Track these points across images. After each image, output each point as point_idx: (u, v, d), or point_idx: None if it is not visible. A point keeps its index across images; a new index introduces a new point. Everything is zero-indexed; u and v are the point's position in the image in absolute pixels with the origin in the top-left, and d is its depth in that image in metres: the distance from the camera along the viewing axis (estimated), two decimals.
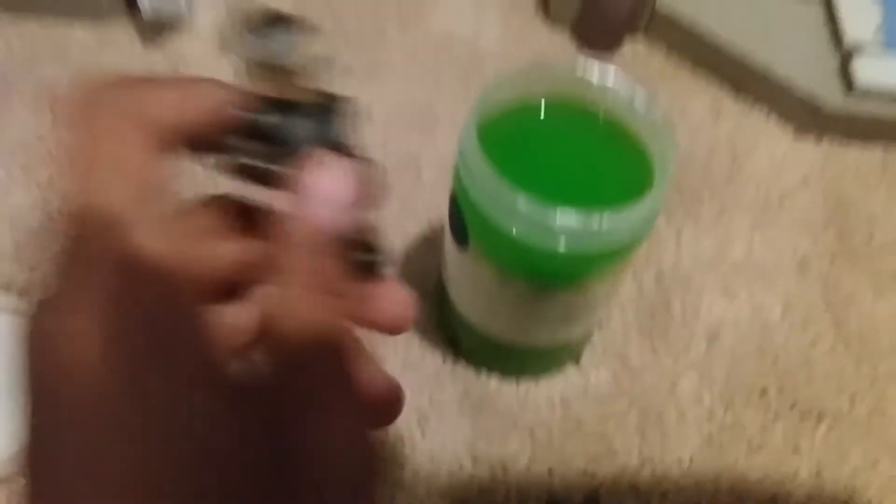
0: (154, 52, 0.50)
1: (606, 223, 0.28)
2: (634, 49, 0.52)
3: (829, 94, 0.47)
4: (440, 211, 0.43)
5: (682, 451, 0.37)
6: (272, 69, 0.19)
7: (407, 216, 0.43)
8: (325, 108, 0.20)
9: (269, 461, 0.15)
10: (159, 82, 0.18)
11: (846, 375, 0.40)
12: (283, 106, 0.19)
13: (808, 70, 0.48)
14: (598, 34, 0.51)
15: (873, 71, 0.48)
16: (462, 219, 0.32)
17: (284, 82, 0.19)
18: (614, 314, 0.41)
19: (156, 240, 0.16)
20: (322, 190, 0.18)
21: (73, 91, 0.17)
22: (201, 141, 0.19)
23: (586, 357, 0.40)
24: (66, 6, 0.49)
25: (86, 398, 0.14)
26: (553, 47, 0.52)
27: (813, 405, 0.39)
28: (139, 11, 0.47)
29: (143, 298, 0.16)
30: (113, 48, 0.50)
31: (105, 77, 0.18)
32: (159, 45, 0.50)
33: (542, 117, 0.34)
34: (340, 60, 0.49)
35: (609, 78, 0.32)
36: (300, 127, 0.19)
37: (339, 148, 0.20)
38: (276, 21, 0.19)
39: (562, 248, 0.29)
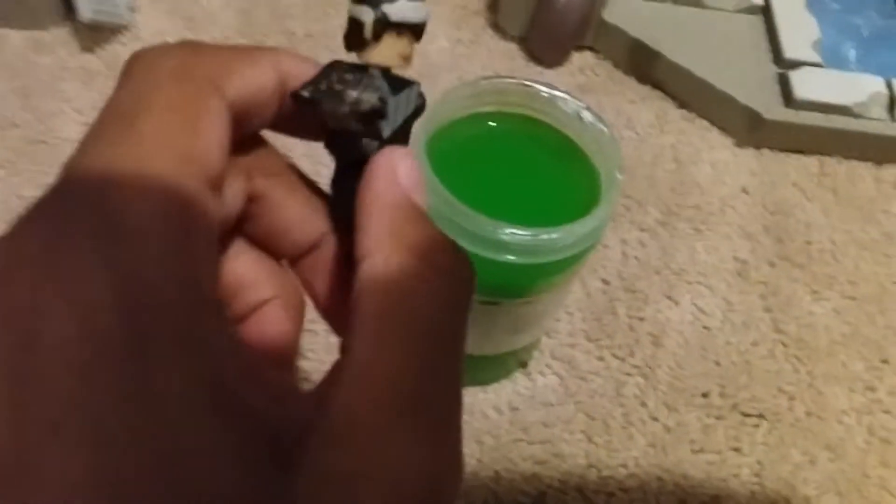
0: (92, 57, 0.49)
1: (555, 237, 0.29)
2: (582, 61, 0.53)
3: (769, 106, 0.49)
4: None
5: (627, 453, 0.38)
6: (399, 28, 0.17)
7: None
8: (408, 88, 0.18)
9: None
10: (225, 51, 0.16)
11: (785, 377, 0.41)
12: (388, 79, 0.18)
13: (748, 83, 0.50)
14: (546, 47, 0.52)
15: (811, 85, 0.49)
16: None
17: (401, 47, 0.18)
18: (562, 320, 0.42)
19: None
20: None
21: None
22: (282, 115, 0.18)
23: (534, 363, 0.40)
24: (1, 11, 0.48)
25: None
26: (502, 59, 0.53)
27: (753, 406, 0.39)
28: (77, 16, 0.46)
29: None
30: (49, 53, 0.49)
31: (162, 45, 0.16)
32: (98, 49, 0.49)
33: (490, 130, 0.34)
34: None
35: (557, 92, 0.33)
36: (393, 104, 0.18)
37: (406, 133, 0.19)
38: None
39: (510, 262, 0.29)
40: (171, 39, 0.50)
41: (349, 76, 0.17)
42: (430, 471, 0.14)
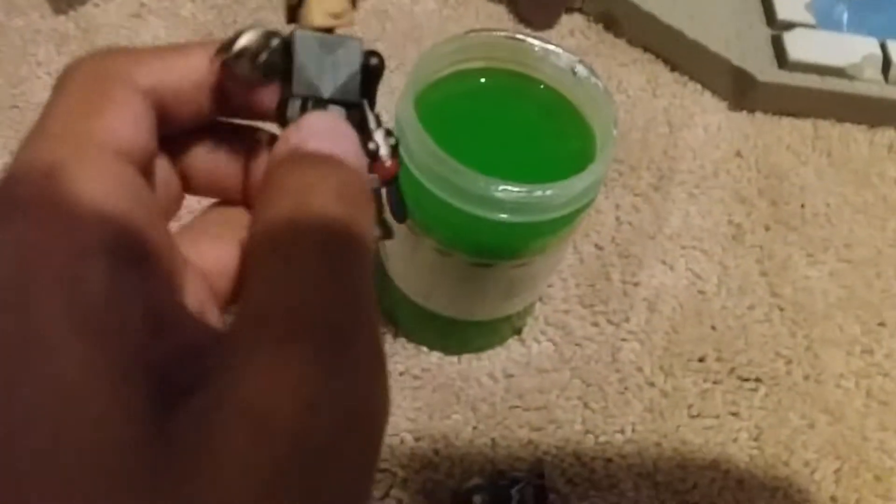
0: (65, 19, 0.47)
1: (548, 194, 0.28)
2: (572, 23, 0.52)
3: (762, 68, 0.48)
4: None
5: (624, 419, 0.37)
6: None
7: None
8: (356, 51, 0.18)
9: None
10: (148, 49, 0.17)
11: (782, 340, 0.40)
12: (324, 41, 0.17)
13: (741, 45, 0.49)
14: (535, 8, 0.51)
15: (804, 46, 0.48)
16: (399, 192, 0.31)
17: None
18: (556, 285, 0.41)
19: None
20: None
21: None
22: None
23: (528, 329, 0.39)
24: None
25: None
26: (491, 21, 0.51)
27: (751, 370, 0.39)
28: None
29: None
30: (20, 15, 0.47)
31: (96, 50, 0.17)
32: (71, 12, 0.47)
33: (480, 86, 0.33)
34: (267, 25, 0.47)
35: (550, 45, 0.31)
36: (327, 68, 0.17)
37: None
38: None
39: (503, 221, 0.28)
40: (146, 2, 0.48)
41: (273, 40, 0.17)
42: (321, 401, 0.13)
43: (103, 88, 0.16)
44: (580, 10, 0.52)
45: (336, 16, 0.17)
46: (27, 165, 0.14)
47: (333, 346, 0.13)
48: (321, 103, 0.17)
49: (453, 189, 0.28)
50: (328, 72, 0.17)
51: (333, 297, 0.14)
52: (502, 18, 0.51)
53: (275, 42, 0.17)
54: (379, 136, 0.18)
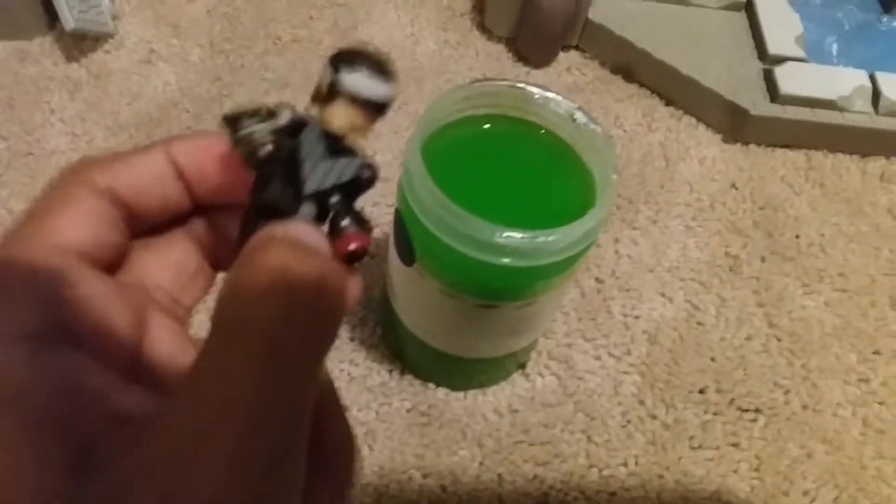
0: (77, 66, 0.48)
1: (551, 240, 0.29)
2: (569, 60, 0.53)
3: (755, 101, 0.49)
4: (381, 222, 0.43)
5: (627, 452, 0.38)
6: (353, 98, 0.17)
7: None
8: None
9: None
10: (113, 154, 0.19)
11: (780, 370, 0.41)
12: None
13: (733, 79, 0.50)
14: (533, 47, 0.52)
15: (795, 80, 0.50)
16: (408, 236, 0.32)
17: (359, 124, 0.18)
18: (558, 319, 0.42)
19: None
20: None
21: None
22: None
23: (532, 364, 0.40)
24: None
25: None
26: (490, 60, 0.53)
27: (750, 401, 0.40)
28: (62, 25, 0.46)
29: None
30: (34, 63, 0.48)
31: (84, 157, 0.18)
32: (83, 58, 0.49)
33: (484, 132, 0.34)
34: (275, 72, 0.48)
35: (549, 93, 0.33)
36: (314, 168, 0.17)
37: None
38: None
39: (507, 265, 0.29)
40: (156, 48, 0.50)
41: (282, 120, 0.17)
42: None
43: (62, 191, 0.18)
44: (577, 48, 0.54)
45: (356, 129, 0.17)
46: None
47: (256, 463, 0.14)
48: (298, 197, 0.17)
49: (458, 235, 0.29)
50: (319, 176, 0.17)
51: (266, 402, 0.14)
52: (501, 57, 0.53)
53: (279, 129, 0.17)
54: (350, 229, 0.18)
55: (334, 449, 0.18)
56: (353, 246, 0.17)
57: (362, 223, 0.18)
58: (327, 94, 0.17)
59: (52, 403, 0.14)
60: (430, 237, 0.30)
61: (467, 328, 0.35)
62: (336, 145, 0.18)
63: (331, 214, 0.18)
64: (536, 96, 0.33)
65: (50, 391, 0.14)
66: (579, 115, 0.32)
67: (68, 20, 0.45)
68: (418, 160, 0.29)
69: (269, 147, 0.17)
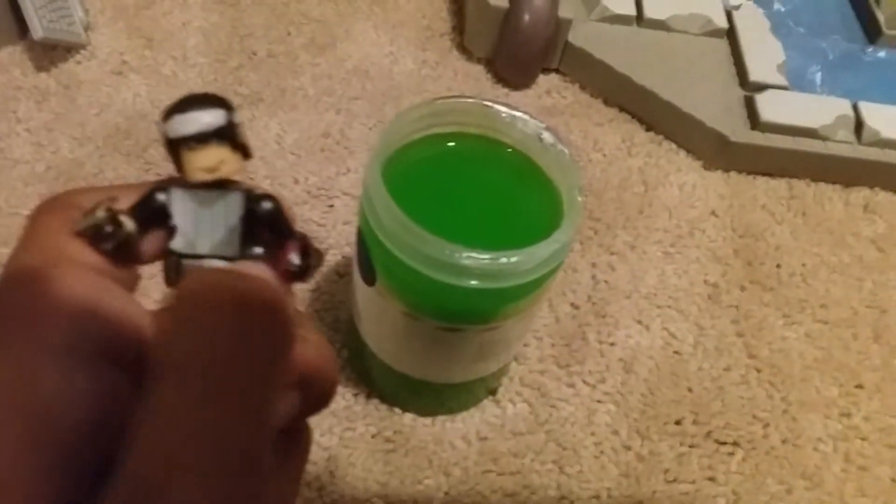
0: (46, 76, 0.47)
1: (514, 261, 0.28)
2: (549, 83, 0.53)
3: (735, 128, 0.49)
4: (352, 242, 0.42)
5: (599, 484, 0.36)
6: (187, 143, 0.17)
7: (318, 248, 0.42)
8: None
9: None
10: (92, 189, 0.18)
11: (759, 403, 0.40)
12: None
13: (714, 105, 0.50)
14: (512, 68, 0.52)
15: (776, 107, 0.49)
16: (368, 256, 0.31)
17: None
18: (532, 345, 0.41)
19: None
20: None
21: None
22: None
23: (504, 390, 0.39)
24: None
25: None
26: (469, 81, 0.52)
27: (728, 433, 0.38)
28: (31, 34, 0.45)
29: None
30: (2, 72, 0.47)
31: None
32: (53, 68, 0.48)
33: (449, 151, 0.33)
34: (249, 87, 0.47)
35: (517, 112, 0.32)
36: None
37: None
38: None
39: (469, 287, 0.28)
40: (128, 59, 0.49)
41: (121, 204, 0.17)
42: None
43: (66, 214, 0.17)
44: (557, 71, 0.53)
45: (211, 170, 0.17)
46: (14, 271, 0.16)
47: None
48: (199, 259, 0.17)
49: (419, 255, 0.28)
50: (206, 229, 0.17)
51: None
52: (480, 78, 0.52)
53: (122, 226, 0.17)
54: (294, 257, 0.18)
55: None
56: (294, 261, 0.18)
57: (282, 245, 0.18)
58: (169, 152, 0.17)
59: (78, 425, 0.14)
60: (390, 257, 0.29)
61: (431, 352, 0.33)
62: (206, 196, 0.17)
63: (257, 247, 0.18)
64: (503, 114, 0.32)
65: (78, 410, 0.14)
66: (546, 135, 0.31)
67: (37, 29, 0.44)
68: (377, 178, 0.28)
69: (111, 242, 0.17)
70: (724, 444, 0.38)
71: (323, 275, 0.41)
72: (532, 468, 0.37)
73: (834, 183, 0.50)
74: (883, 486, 0.38)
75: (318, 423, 0.36)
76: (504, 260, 0.27)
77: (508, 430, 0.38)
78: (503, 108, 0.32)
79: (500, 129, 0.32)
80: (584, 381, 0.40)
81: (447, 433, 0.37)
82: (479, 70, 0.52)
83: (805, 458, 0.38)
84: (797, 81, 0.52)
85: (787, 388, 0.41)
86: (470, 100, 0.32)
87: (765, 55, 0.52)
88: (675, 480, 0.37)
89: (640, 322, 0.42)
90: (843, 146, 0.49)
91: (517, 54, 0.51)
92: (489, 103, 0.32)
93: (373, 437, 0.37)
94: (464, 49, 0.53)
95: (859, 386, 0.41)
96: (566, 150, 0.31)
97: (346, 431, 0.36)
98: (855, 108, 0.50)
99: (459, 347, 0.33)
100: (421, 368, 0.35)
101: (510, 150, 0.32)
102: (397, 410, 0.37)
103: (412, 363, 0.35)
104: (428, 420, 0.37)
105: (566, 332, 0.41)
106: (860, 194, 0.50)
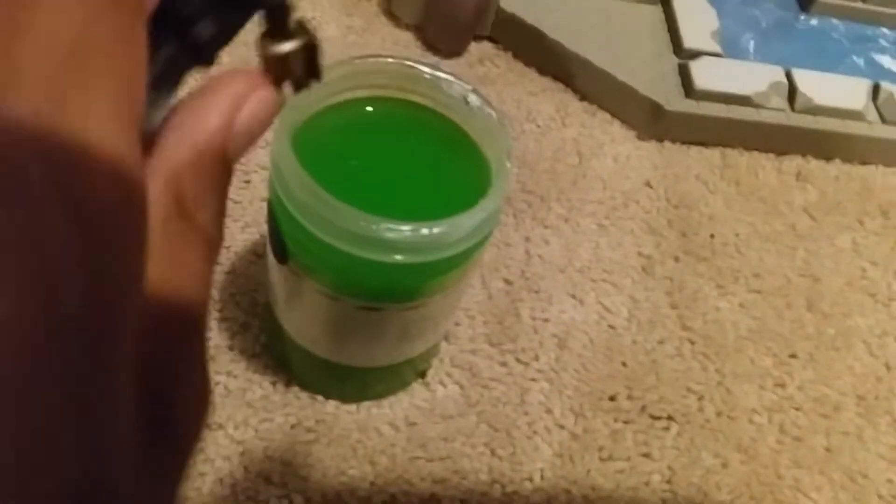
0: None
1: (436, 232, 0.26)
2: (481, 51, 0.51)
3: (669, 97, 0.48)
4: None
5: (532, 465, 0.35)
6: None
7: (233, 226, 0.39)
8: None
9: None
10: None
11: (693, 376, 0.39)
12: None
13: (648, 74, 0.48)
14: (442, 35, 0.49)
15: (710, 75, 0.48)
16: (279, 231, 0.28)
17: None
18: (463, 323, 0.39)
19: None
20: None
21: None
22: None
23: (433, 371, 0.37)
24: None
25: None
26: (397, 48, 0.49)
27: (662, 408, 0.38)
28: None
29: None
30: None
31: None
32: None
33: (368, 117, 0.30)
34: None
35: (441, 73, 0.30)
36: None
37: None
38: None
39: (390, 262, 0.26)
40: None
41: None
42: None
43: None
44: (489, 38, 0.51)
45: None
46: None
47: None
48: None
49: (333, 228, 0.26)
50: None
51: None
52: (410, 45, 0.50)
53: None
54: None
55: (183, 400, 0.15)
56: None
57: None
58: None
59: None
60: (301, 231, 0.26)
61: (352, 334, 0.31)
62: None
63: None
64: (427, 75, 0.30)
65: None
66: (473, 98, 0.29)
67: None
68: (286, 148, 0.26)
69: None
70: (658, 418, 0.37)
71: (239, 255, 0.39)
72: (463, 452, 0.35)
73: (767, 152, 0.50)
74: (817, 457, 0.37)
75: (232, 416, 0.34)
76: (426, 231, 0.25)
77: (438, 413, 0.36)
78: (426, 69, 0.29)
79: (423, 91, 0.30)
80: (518, 360, 0.38)
81: (373, 420, 0.35)
82: (408, 37, 0.50)
83: (740, 430, 0.38)
84: (731, 49, 0.51)
85: (721, 359, 0.40)
86: (390, 59, 0.29)
87: (699, 22, 0.51)
88: (609, 458, 0.36)
89: (574, 296, 0.41)
90: (777, 114, 0.49)
91: (447, 20, 0.48)
92: (411, 63, 0.29)
93: (292, 427, 0.34)
94: (391, 14, 0.50)
95: (793, 356, 0.41)
96: (493, 114, 0.29)
97: (262, 423, 0.34)
98: (788, 75, 0.50)
99: (382, 328, 0.31)
100: (342, 352, 0.33)
101: (435, 114, 0.30)
102: (319, 398, 0.35)
103: (332, 347, 0.32)
104: (353, 407, 0.35)
105: (499, 308, 0.40)
106: (793, 163, 0.50)
